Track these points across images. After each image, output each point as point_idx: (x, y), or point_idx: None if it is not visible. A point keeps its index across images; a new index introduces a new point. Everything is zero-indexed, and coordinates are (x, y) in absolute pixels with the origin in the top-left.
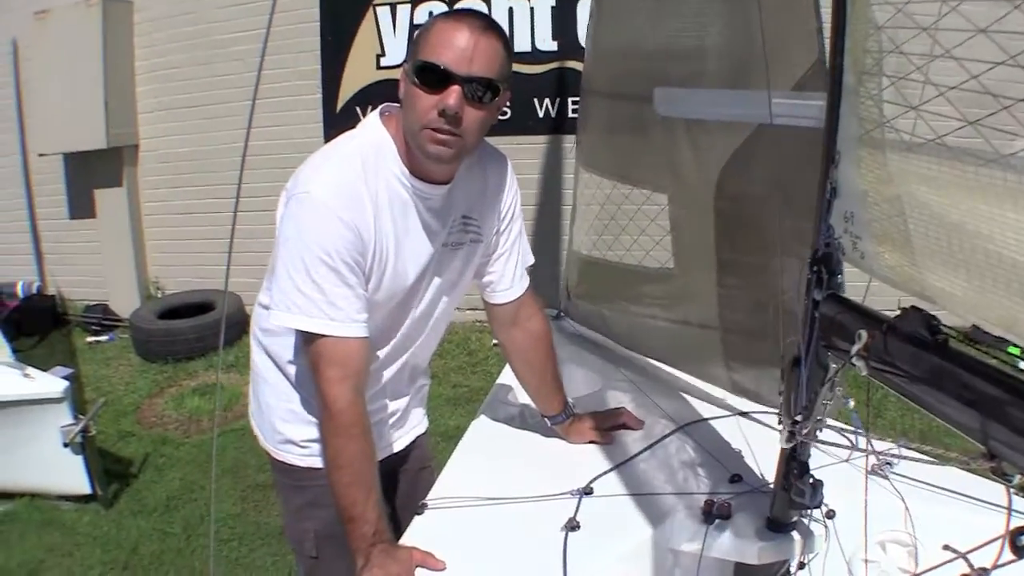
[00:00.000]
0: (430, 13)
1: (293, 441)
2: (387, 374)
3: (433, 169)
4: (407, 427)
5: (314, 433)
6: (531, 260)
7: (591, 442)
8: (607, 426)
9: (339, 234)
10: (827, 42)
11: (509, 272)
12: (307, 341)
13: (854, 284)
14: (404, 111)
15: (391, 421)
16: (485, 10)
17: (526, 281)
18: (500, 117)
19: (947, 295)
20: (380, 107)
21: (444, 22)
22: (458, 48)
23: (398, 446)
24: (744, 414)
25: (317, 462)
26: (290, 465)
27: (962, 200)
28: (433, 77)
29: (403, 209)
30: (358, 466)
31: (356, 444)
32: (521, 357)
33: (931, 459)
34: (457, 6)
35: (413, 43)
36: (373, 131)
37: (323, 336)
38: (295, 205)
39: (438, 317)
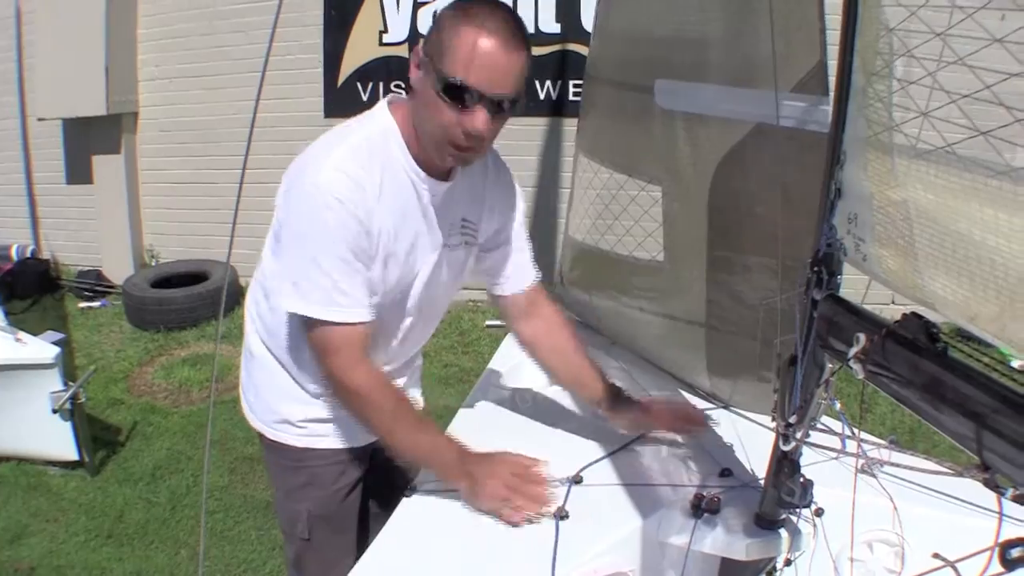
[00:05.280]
0: None
1: (290, 421)
2: (386, 362)
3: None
4: None
5: (311, 413)
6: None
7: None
8: (676, 421)
9: (345, 224)
10: (833, 42)
11: (511, 263)
12: (313, 327)
13: (851, 278)
14: (421, 112)
15: None
16: None
17: (531, 274)
18: None
19: (948, 303)
20: (388, 96)
21: (473, 31)
22: (489, 68)
23: None
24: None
25: (313, 442)
26: (285, 445)
27: (970, 209)
28: (460, 95)
29: (407, 200)
30: (401, 415)
31: (390, 405)
32: (546, 344)
33: (924, 470)
34: None
35: (434, 38)
36: (380, 120)
37: (331, 323)
38: (301, 196)
39: (436, 310)
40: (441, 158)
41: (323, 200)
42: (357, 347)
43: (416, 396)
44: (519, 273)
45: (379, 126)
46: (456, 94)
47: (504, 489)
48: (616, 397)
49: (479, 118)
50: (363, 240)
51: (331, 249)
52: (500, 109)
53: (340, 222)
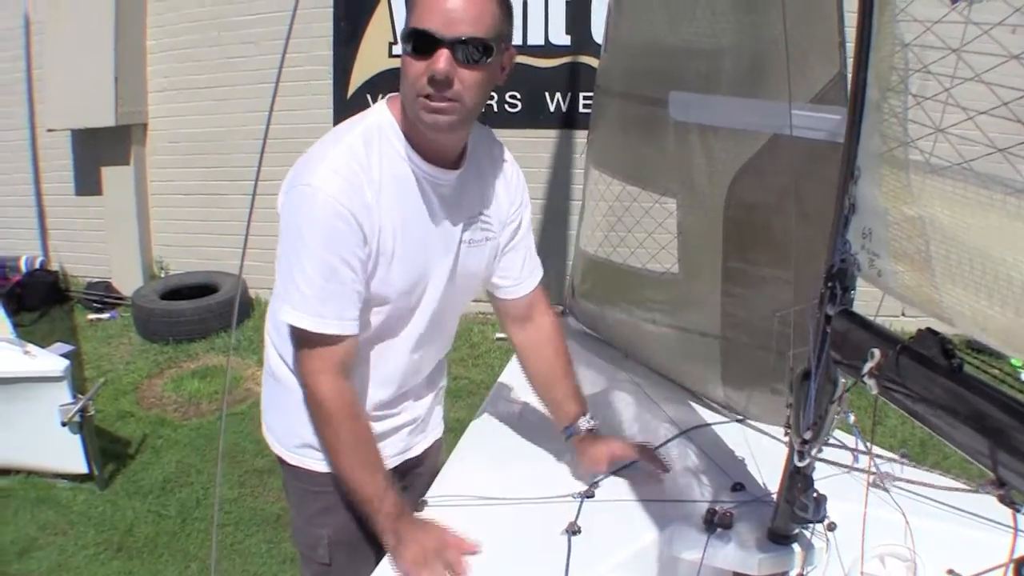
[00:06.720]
0: None
1: (312, 445)
2: (407, 374)
3: (437, 141)
4: (428, 431)
5: None
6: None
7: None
8: (623, 457)
9: (336, 227)
10: (850, 55)
11: (517, 266)
12: (294, 333)
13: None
14: (401, 83)
15: (414, 426)
16: None
17: (536, 277)
18: (510, 109)
19: (965, 318)
20: (388, 95)
21: None
22: (444, 10)
23: (416, 451)
24: (745, 420)
25: None
26: (308, 470)
27: (987, 226)
28: (421, 43)
29: (409, 191)
30: (356, 448)
31: (347, 429)
32: (530, 357)
33: (939, 486)
34: None
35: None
36: (377, 114)
37: (310, 331)
38: (296, 197)
39: (453, 310)
40: (419, 118)
41: (313, 204)
42: (331, 358)
43: (439, 421)
44: (523, 279)
45: (375, 120)
46: (417, 43)
47: (423, 557)
48: (572, 432)
49: (440, 60)
50: (357, 247)
51: (319, 255)
52: (471, 58)
53: (329, 226)
